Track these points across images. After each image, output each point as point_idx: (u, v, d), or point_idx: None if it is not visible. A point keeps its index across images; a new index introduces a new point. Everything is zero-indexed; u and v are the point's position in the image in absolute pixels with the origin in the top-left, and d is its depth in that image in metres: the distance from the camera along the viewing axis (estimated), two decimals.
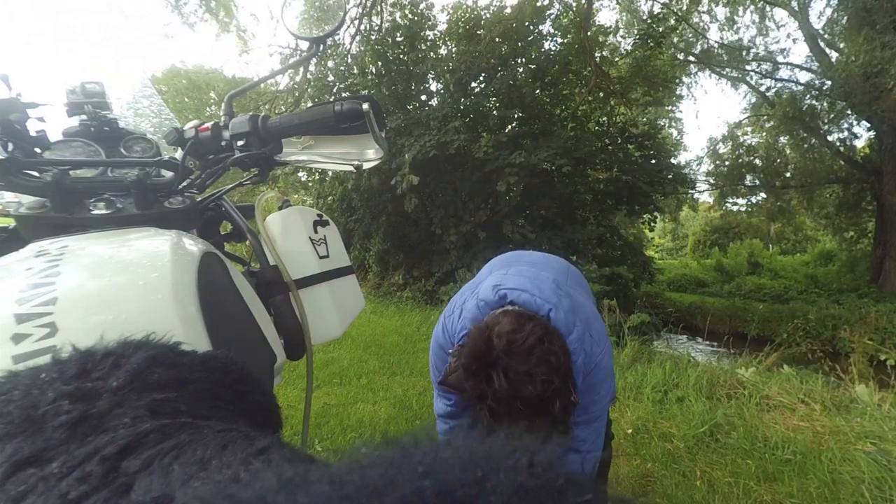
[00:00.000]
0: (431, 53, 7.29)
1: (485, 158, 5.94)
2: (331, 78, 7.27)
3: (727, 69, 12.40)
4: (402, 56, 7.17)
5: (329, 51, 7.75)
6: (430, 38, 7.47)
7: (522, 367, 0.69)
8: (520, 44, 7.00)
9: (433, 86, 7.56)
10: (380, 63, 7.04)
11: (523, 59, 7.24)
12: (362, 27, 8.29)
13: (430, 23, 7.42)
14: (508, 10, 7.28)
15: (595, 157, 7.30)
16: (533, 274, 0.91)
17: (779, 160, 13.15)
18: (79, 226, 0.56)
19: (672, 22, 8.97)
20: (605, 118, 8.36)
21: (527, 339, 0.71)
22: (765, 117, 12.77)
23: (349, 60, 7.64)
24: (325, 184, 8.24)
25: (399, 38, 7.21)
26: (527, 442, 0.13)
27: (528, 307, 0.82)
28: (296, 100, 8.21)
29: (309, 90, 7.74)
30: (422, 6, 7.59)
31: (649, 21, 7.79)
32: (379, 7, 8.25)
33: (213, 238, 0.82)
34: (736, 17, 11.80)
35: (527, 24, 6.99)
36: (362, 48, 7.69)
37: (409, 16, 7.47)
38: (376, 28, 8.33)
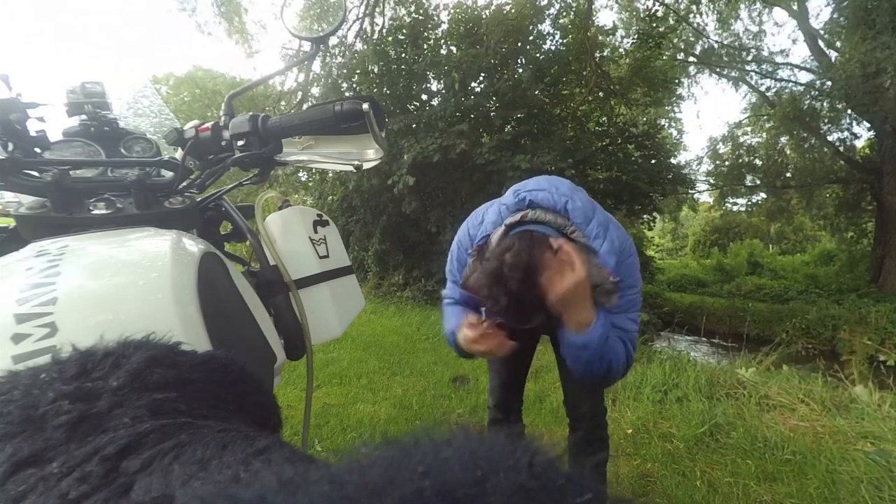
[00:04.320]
0: (433, 53, 7.29)
1: (486, 163, 5.95)
2: (338, 79, 7.27)
3: (727, 69, 12.40)
4: (403, 55, 7.17)
5: (335, 50, 7.77)
6: (432, 37, 7.46)
7: (525, 288, 0.78)
8: (520, 44, 6.99)
9: (434, 86, 7.57)
10: (381, 62, 7.04)
11: (523, 59, 7.23)
12: (364, 26, 8.30)
13: (433, 22, 7.41)
14: (508, 8, 7.28)
15: (595, 158, 7.29)
16: (549, 178, 0.99)
17: (779, 160, 13.15)
18: (79, 226, 0.56)
19: (671, 22, 8.98)
20: (605, 118, 8.36)
21: (529, 261, 0.79)
22: (765, 117, 12.78)
23: (353, 60, 7.64)
24: (325, 184, 8.25)
25: (401, 37, 7.20)
26: (527, 442, 0.13)
27: (545, 203, 0.90)
28: (299, 100, 8.22)
29: (315, 89, 7.78)
30: (427, 5, 7.58)
31: (648, 20, 7.79)
32: (381, 6, 8.25)
33: (213, 238, 0.82)
34: (735, 18, 11.81)
35: (527, 24, 6.99)
36: (365, 47, 7.70)
37: (415, 14, 7.47)
38: (378, 27, 8.33)
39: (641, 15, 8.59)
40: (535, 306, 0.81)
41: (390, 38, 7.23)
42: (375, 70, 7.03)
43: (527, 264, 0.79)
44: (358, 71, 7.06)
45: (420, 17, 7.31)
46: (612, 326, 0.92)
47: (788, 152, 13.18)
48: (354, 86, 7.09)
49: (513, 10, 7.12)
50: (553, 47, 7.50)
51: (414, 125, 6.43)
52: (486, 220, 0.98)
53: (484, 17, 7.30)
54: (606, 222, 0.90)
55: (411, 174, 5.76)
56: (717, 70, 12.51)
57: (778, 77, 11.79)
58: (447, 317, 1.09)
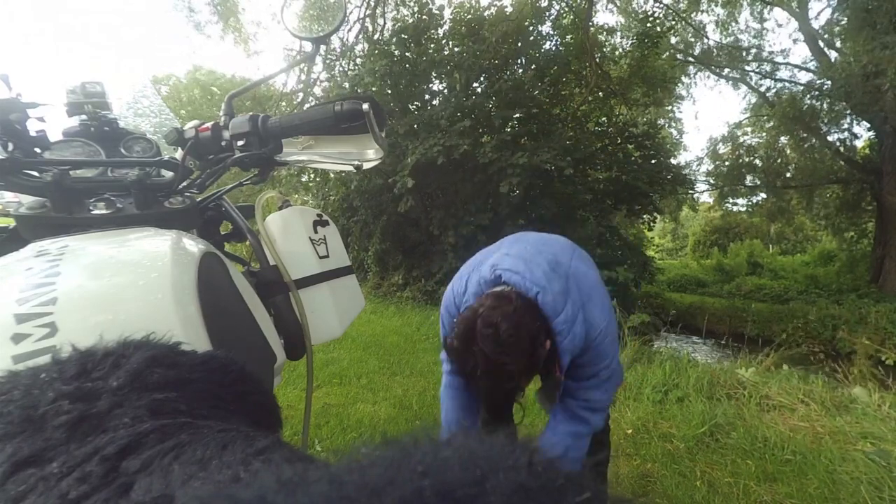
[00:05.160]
0: (436, 53, 7.30)
1: (488, 162, 5.96)
2: (345, 84, 7.28)
3: (727, 70, 12.40)
4: (407, 54, 7.17)
5: (339, 52, 7.77)
6: (435, 37, 7.47)
7: (494, 351, 0.79)
8: (520, 44, 7.00)
9: (436, 86, 7.57)
10: (383, 62, 7.05)
11: (523, 60, 7.24)
12: (365, 27, 8.30)
13: (436, 21, 7.42)
14: (509, 10, 7.28)
15: (595, 158, 7.29)
16: (530, 256, 0.96)
17: (779, 160, 13.15)
18: (79, 226, 0.56)
19: (670, 21, 8.98)
20: (604, 118, 8.37)
21: (501, 325, 0.80)
22: (765, 117, 12.77)
23: (358, 61, 7.66)
24: (328, 184, 8.27)
25: (405, 38, 7.20)
26: (526, 442, 0.13)
27: (518, 288, 0.89)
28: (300, 100, 8.23)
29: (317, 89, 7.79)
30: (429, 5, 7.58)
31: (645, 20, 7.82)
32: (382, 7, 8.26)
33: (213, 238, 0.82)
34: (735, 18, 11.82)
35: (527, 24, 7.00)
36: (367, 48, 7.71)
37: (419, 15, 7.47)
38: (380, 28, 8.33)
39: (639, 16, 8.62)
40: (508, 370, 0.81)
41: (394, 40, 7.24)
42: (376, 69, 7.03)
43: (498, 321, 0.80)
44: (366, 79, 7.06)
45: (424, 17, 7.31)
46: (576, 397, 0.98)
47: (788, 152, 13.18)
48: (360, 86, 7.10)
49: (513, 12, 7.13)
50: (553, 48, 7.50)
51: (416, 125, 6.44)
52: (468, 291, 0.99)
53: (486, 16, 7.31)
54: (574, 317, 0.88)
55: (413, 176, 5.77)
56: (717, 70, 12.51)
57: (778, 77, 11.80)
58: (443, 400, 1.10)
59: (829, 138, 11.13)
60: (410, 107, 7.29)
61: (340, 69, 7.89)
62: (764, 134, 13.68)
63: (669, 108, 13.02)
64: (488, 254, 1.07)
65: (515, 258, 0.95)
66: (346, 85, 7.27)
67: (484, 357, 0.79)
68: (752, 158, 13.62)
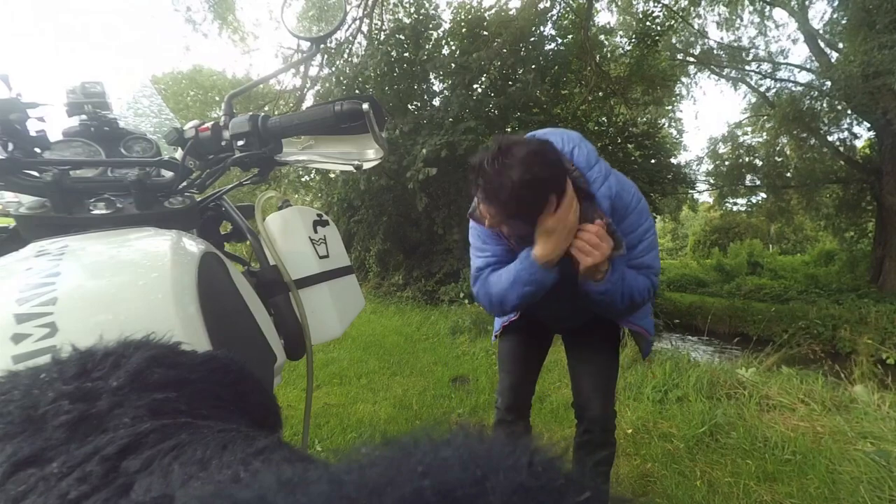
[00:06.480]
0: (435, 53, 7.28)
1: None
2: (341, 80, 7.30)
3: (727, 69, 12.41)
4: (405, 55, 7.17)
5: (338, 51, 7.77)
6: (433, 37, 7.46)
7: (510, 158, 0.82)
8: (521, 44, 7.00)
9: (437, 86, 7.56)
10: (382, 63, 7.04)
11: (524, 57, 7.24)
12: (363, 27, 8.30)
13: (434, 22, 7.41)
14: (513, 12, 7.28)
15: None
16: (562, 130, 1.05)
17: (779, 160, 13.16)
18: (79, 226, 0.56)
19: (668, 21, 8.99)
20: (604, 118, 8.38)
21: (520, 144, 0.84)
22: (765, 117, 12.78)
23: (355, 61, 7.65)
24: (331, 184, 8.27)
25: (402, 38, 7.20)
26: (527, 441, 0.13)
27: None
28: (297, 100, 8.24)
29: (318, 87, 7.80)
30: (428, 7, 7.58)
31: (644, 19, 7.83)
32: (380, 8, 8.25)
33: (213, 238, 0.82)
34: (735, 18, 11.81)
35: (531, 27, 6.99)
36: (365, 49, 7.72)
37: (415, 15, 7.47)
38: (377, 28, 8.33)
39: (639, 16, 8.64)
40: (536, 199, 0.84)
41: (392, 41, 7.24)
42: (375, 71, 7.02)
43: (518, 153, 0.83)
44: (360, 79, 7.04)
45: (421, 18, 7.30)
46: (635, 267, 1.01)
47: (788, 152, 13.19)
48: (358, 86, 7.09)
49: (517, 15, 7.12)
50: (554, 48, 7.51)
51: (418, 124, 6.44)
52: None
53: (487, 17, 7.30)
54: (608, 172, 0.97)
55: (430, 166, 5.79)
56: (717, 70, 12.52)
57: (778, 77, 11.81)
58: (486, 286, 1.07)
59: (829, 138, 11.14)
60: (410, 107, 7.28)
61: (336, 68, 7.89)
62: (764, 134, 13.69)
63: (669, 107, 13.03)
64: None
65: (549, 130, 1.03)
66: (335, 78, 7.26)
67: (515, 158, 0.81)
68: (752, 158, 13.64)
